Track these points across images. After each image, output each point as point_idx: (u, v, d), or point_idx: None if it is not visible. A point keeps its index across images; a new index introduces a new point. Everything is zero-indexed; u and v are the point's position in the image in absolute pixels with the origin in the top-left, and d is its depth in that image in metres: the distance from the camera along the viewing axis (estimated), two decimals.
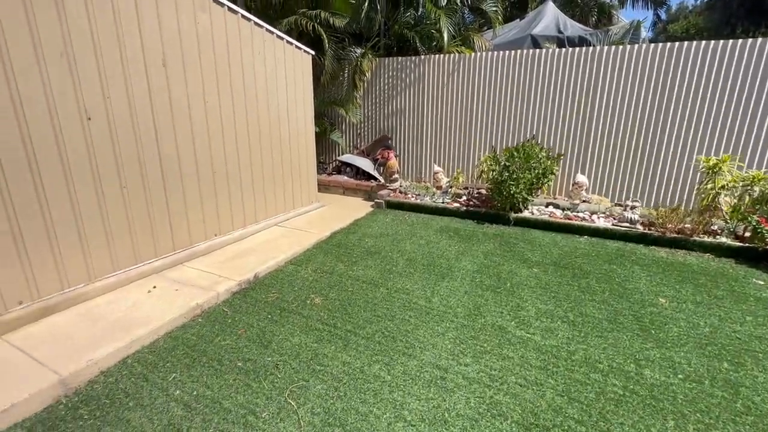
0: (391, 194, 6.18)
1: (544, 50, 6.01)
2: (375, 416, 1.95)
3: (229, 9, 3.93)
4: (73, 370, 2.15)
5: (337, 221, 5.17)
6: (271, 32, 4.57)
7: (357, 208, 5.98)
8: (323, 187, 6.90)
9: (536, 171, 5.05)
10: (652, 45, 5.39)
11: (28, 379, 2.06)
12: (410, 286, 3.36)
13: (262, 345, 2.52)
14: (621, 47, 5.55)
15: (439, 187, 6.36)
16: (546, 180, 5.19)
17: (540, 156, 5.13)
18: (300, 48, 5.12)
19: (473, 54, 6.53)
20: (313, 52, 5.41)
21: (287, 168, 5.15)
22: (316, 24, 6.36)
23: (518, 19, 9.56)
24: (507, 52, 6.26)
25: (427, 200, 5.91)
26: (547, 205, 5.51)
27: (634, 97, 5.57)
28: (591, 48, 5.73)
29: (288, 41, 4.88)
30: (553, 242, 4.51)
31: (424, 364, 2.34)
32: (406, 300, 3.12)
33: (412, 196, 6.15)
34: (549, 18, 8.65)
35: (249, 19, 4.21)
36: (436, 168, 6.57)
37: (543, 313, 2.94)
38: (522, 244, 4.45)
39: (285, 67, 4.86)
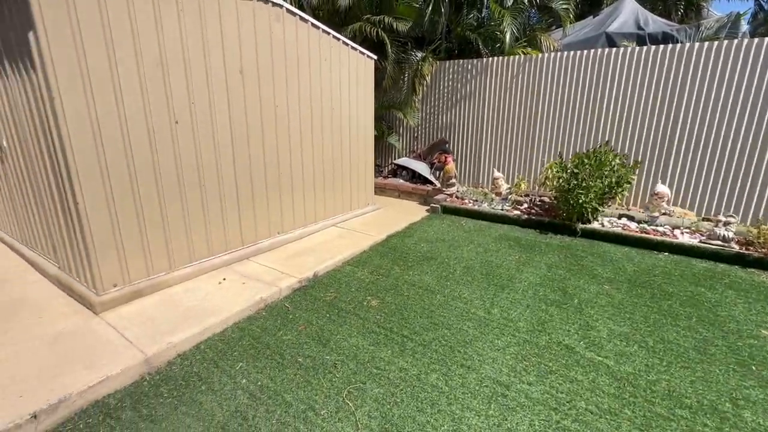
0: (448, 199, 6.07)
1: (620, 49, 5.55)
2: (433, 427, 1.91)
3: (301, 18, 4.12)
4: (156, 351, 2.36)
5: (392, 224, 5.18)
6: (338, 39, 4.72)
7: (412, 211, 5.96)
8: (379, 189, 6.97)
9: (608, 179, 4.66)
10: (756, 39, 4.74)
11: (120, 355, 2.30)
12: (468, 295, 3.25)
13: (321, 343, 2.58)
14: (715, 43, 4.95)
15: (498, 194, 6.13)
16: (620, 189, 4.76)
17: (613, 163, 4.73)
18: (364, 53, 5.23)
19: (539, 55, 6.21)
20: (375, 57, 5.50)
21: (346, 170, 5.28)
22: (379, 29, 6.45)
23: (591, 17, 8.93)
24: (577, 51, 5.88)
25: (485, 206, 5.72)
26: (619, 217, 5.07)
27: (730, 99, 4.93)
28: (677, 45, 5.18)
29: (353, 47, 5.00)
30: (627, 258, 4.13)
31: (483, 378, 2.25)
32: (463, 309, 3.03)
33: (470, 202, 5.99)
34: (627, 14, 7.97)
35: (318, 27, 4.38)
36: (496, 173, 6.35)
37: (616, 335, 2.69)
38: (590, 257, 4.13)
39: (349, 71, 4.99)
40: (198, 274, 3.44)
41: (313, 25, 4.30)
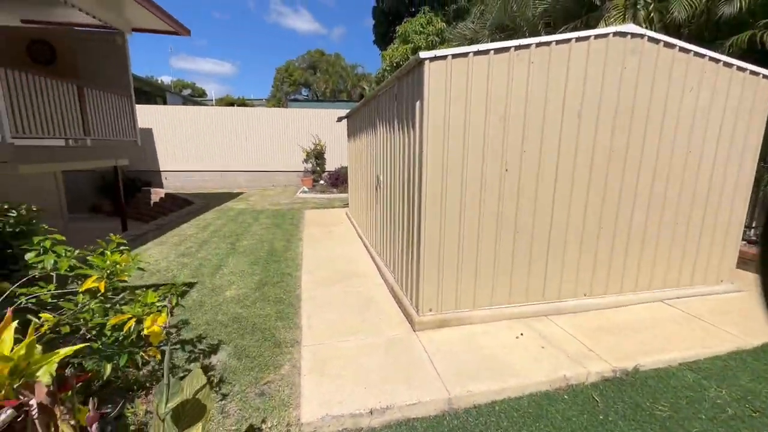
0: None
1: None
2: None
3: (665, 44, 3.35)
4: (457, 393, 2.44)
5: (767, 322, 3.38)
6: (716, 60, 3.54)
7: None
8: (742, 261, 4.82)
9: None
10: None
11: (430, 384, 2.52)
12: None
13: None
14: None
15: None
16: None
17: None
18: (757, 73, 3.69)
19: None
20: None
21: (693, 227, 3.91)
22: None
23: None
24: None
25: None
26: None
27: None
28: None
29: (738, 67, 3.63)
30: None
31: None
32: None
33: None
34: None
35: (687, 51, 3.44)
36: None
37: None
38: None
39: (726, 98, 3.67)
40: (494, 319, 3.41)
41: (681, 49, 3.41)
